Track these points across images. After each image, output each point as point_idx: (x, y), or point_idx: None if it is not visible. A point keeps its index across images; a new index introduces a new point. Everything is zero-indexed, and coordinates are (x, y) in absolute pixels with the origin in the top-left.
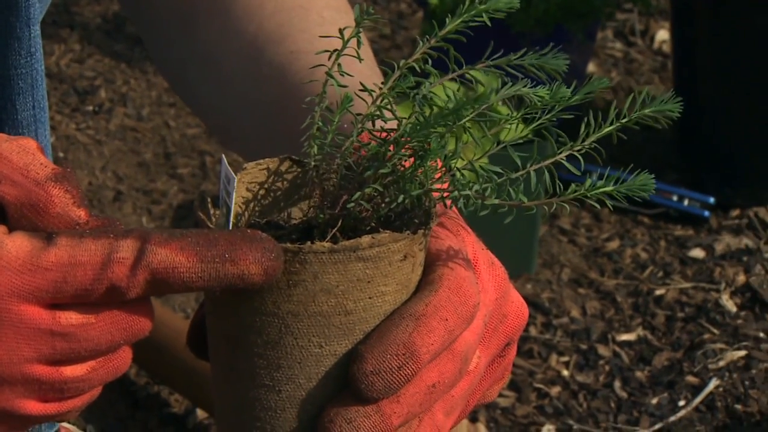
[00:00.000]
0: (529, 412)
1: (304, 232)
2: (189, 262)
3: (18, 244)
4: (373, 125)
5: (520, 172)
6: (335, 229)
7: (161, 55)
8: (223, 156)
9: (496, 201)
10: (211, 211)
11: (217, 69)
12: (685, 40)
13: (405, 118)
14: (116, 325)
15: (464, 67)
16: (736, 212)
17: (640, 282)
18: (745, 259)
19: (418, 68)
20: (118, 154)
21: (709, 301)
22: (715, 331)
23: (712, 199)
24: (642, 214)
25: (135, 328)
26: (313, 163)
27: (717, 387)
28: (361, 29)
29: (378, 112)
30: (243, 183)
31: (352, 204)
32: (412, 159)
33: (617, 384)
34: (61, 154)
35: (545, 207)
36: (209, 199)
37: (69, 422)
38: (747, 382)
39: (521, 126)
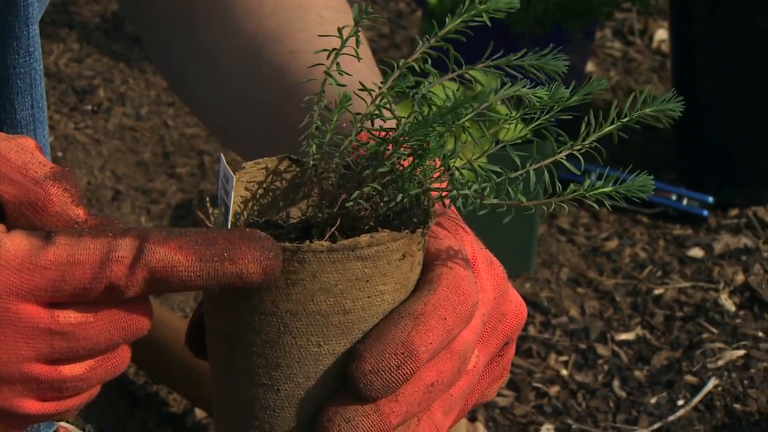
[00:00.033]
0: (528, 412)
1: (302, 231)
2: (188, 261)
3: (17, 243)
4: (372, 124)
5: (519, 172)
6: (334, 228)
7: (160, 55)
8: (222, 155)
9: (495, 200)
10: (210, 210)
11: (215, 68)
12: (684, 39)
13: (404, 117)
14: (115, 324)
15: (464, 67)
16: (735, 212)
17: (639, 281)
18: (743, 258)
19: (417, 68)
20: (117, 153)
21: (708, 301)
22: (714, 330)
23: (711, 199)
24: (641, 214)
25: (134, 327)
26: (311, 163)
27: (716, 386)
28: (359, 28)
29: (377, 112)
30: (242, 182)
31: (351, 203)
32: (410, 158)
33: (616, 383)
34: (59, 154)
35: (544, 207)
36: (208, 199)
37: (67, 421)
38: (746, 382)
39: (520, 126)
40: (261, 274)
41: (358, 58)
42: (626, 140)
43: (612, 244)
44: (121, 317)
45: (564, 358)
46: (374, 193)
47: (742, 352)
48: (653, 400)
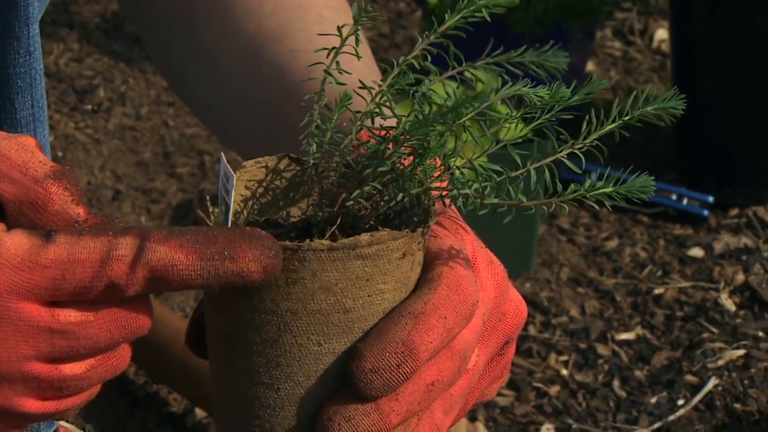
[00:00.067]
0: (528, 411)
1: (302, 230)
2: (188, 260)
3: (17, 242)
4: (372, 123)
5: (520, 171)
6: (334, 227)
7: (160, 55)
8: (222, 154)
9: (495, 200)
10: (210, 209)
11: (216, 68)
12: (684, 39)
13: (404, 116)
14: (115, 323)
15: (464, 64)
16: (735, 211)
17: (639, 281)
18: (744, 258)
19: (417, 65)
20: (117, 153)
21: (708, 301)
22: (714, 330)
23: (711, 199)
24: (641, 214)
25: (134, 325)
26: (312, 161)
27: (716, 386)
28: (359, 27)
29: (377, 110)
30: (242, 181)
31: (351, 202)
32: (411, 157)
33: (616, 383)
34: (59, 154)
35: (544, 207)
36: (208, 197)
37: (67, 421)
38: (746, 381)
39: (521, 125)
40: (261, 273)
41: (358, 57)
42: (626, 140)
43: (612, 243)
44: (122, 316)
45: (564, 357)
46: (375, 192)
47: (742, 351)
48: (653, 400)
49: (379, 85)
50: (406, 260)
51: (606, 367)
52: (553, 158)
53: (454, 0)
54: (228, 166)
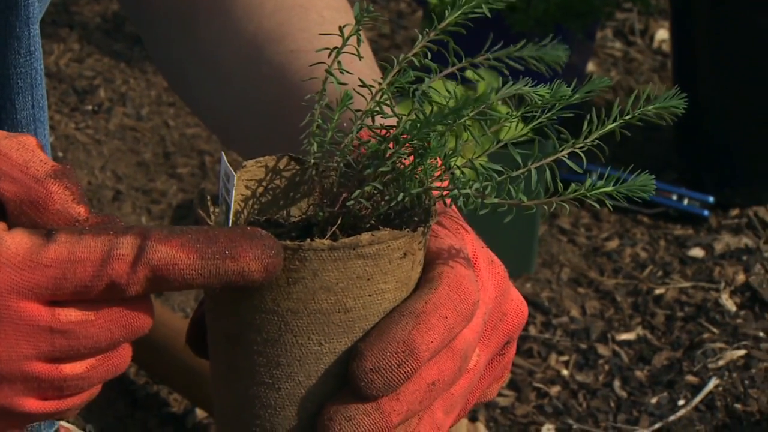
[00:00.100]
0: (529, 412)
1: (303, 230)
2: (189, 259)
3: (17, 241)
4: (373, 122)
5: (521, 171)
6: (335, 226)
7: (161, 55)
8: (223, 153)
9: (496, 200)
10: (211, 209)
11: (216, 68)
12: (685, 39)
13: (404, 115)
14: (116, 323)
15: (464, 60)
16: (735, 212)
17: (640, 281)
18: (744, 258)
19: (417, 63)
20: (118, 153)
21: (708, 301)
22: (715, 330)
23: (711, 199)
24: (642, 214)
25: (135, 325)
26: (312, 161)
27: (717, 386)
28: (360, 27)
29: (378, 109)
30: (242, 181)
31: (352, 202)
32: (411, 157)
33: (617, 383)
34: (60, 154)
35: (545, 206)
36: (209, 197)
37: (68, 421)
38: (747, 382)
39: (521, 125)
40: (262, 272)
41: (360, 57)
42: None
43: (613, 244)
44: (122, 316)
45: (565, 358)
46: (375, 191)
47: (742, 352)
48: (654, 400)
49: (380, 84)
50: (406, 260)
51: (606, 367)
52: (553, 158)
53: (454, 0)
54: (228, 165)
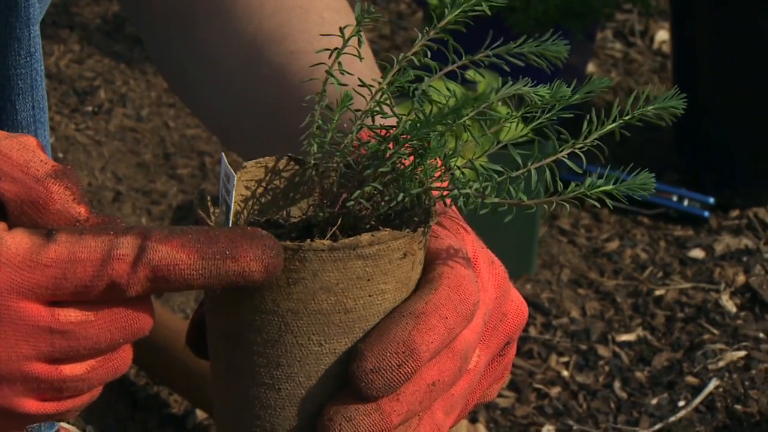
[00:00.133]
0: (529, 413)
1: (303, 230)
2: (190, 259)
3: (18, 241)
4: (373, 122)
5: (521, 171)
6: (335, 227)
7: (161, 55)
8: (223, 154)
9: (496, 200)
10: (211, 210)
11: (216, 69)
12: (685, 40)
13: (404, 115)
14: (116, 324)
15: (464, 58)
16: (735, 213)
17: (640, 282)
18: (744, 259)
19: (417, 62)
20: (118, 154)
21: (708, 302)
22: (715, 331)
23: (711, 200)
24: (642, 215)
25: (135, 326)
26: (312, 162)
27: (717, 387)
28: (361, 28)
29: (377, 108)
30: (242, 181)
31: (352, 202)
32: (411, 157)
33: (617, 384)
34: (60, 155)
35: (545, 206)
36: (209, 198)
37: (68, 422)
38: (747, 383)
39: (521, 125)
40: (263, 272)
41: (360, 58)
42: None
43: (613, 245)
44: (123, 316)
45: (565, 359)
46: (375, 192)
47: (743, 353)
48: (654, 401)
49: (379, 83)
50: (406, 260)
51: (607, 368)
52: (553, 158)
53: (455, 1)
54: (229, 166)
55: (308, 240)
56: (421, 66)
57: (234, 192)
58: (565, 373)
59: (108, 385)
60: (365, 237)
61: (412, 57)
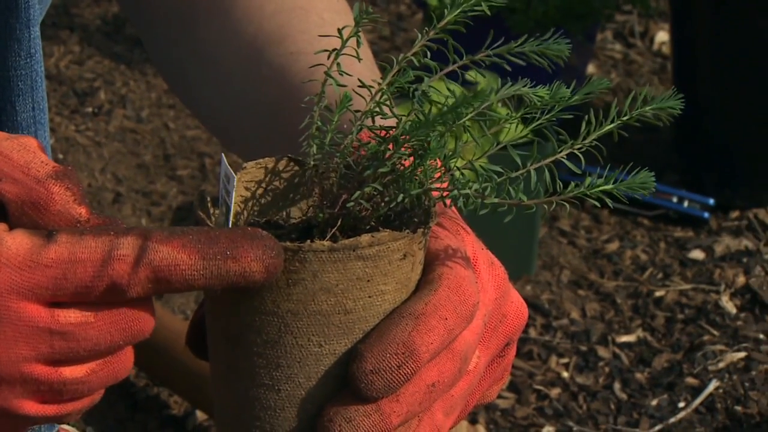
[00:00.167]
0: (529, 414)
1: (303, 231)
2: (191, 260)
3: (18, 241)
4: (373, 122)
5: (520, 171)
6: (335, 228)
7: (161, 56)
8: (223, 155)
9: (496, 200)
10: (211, 211)
11: (216, 70)
12: (685, 41)
13: (404, 115)
14: (116, 325)
15: (465, 57)
16: (735, 214)
17: (640, 283)
18: (744, 260)
19: (417, 62)
20: (118, 155)
21: (708, 303)
22: (715, 332)
23: (711, 201)
24: (642, 216)
25: (135, 328)
26: (312, 163)
27: (717, 388)
28: (360, 29)
29: (377, 109)
30: (242, 182)
31: (352, 203)
32: (411, 158)
33: (617, 385)
34: (60, 156)
35: (545, 206)
36: (209, 199)
37: (69, 423)
38: (747, 384)
39: (521, 126)
40: (264, 273)
41: (359, 59)
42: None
43: (613, 246)
44: (123, 318)
45: (565, 360)
46: (375, 193)
47: (743, 354)
48: (654, 402)
49: (379, 84)
50: (406, 261)
51: (607, 369)
52: (552, 158)
53: (454, 0)
54: (228, 167)
55: (308, 241)
56: (421, 67)
57: (234, 193)
58: (565, 375)
59: (108, 386)
60: (365, 238)
61: (412, 58)
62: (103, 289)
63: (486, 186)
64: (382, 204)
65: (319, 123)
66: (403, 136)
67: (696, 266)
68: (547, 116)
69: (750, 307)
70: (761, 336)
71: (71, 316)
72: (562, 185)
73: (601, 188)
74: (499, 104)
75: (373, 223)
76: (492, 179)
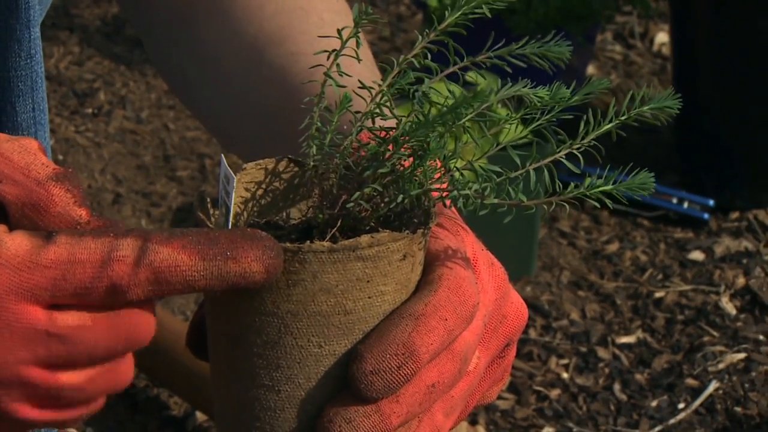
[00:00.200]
0: (529, 415)
1: (303, 232)
2: (191, 261)
3: (18, 242)
4: (373, 123)
5: (520, 172)
6: (334, 228)
7: (161, 57)
8: (223, 156)
9: (496, 200)
10: (211, 211)
11: (216, 70)
12: (685, 42)
13: (404, 116)
14: (115, 330)
15: (465, 59)
16: (735, 215)
17: (640, 284)
18: (744, 261)
19: (417, 64)
20: (118, 156)
21: (708, 304)
22: (715, 333)
23: (711, 202)
24: (641, 217)
25: (135, 333)
26: (312, 163)
27: (717, 389)
28: (359, 30)
29: (377, 110)
30: (242, 183)
31: (352, 204)
32: (411, 159)
33: (617, 387)
34: (60, 157)
35: (545, 206)
36: (209, 199)
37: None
38: (746, 385)
39: (520, 127)
40: (264, 273)
41: (359, 60)
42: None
43: (613, 247)
44: (122, 322)
45: (565, 361)
46: (375, 193)
47: (742, 355)
48: (654, 404)
49: (379, 85)
50: (406, 262)
51: (606, 370)
52: (551, 159)
53: (455, 2)
54: (228, 168)
55: (308, 242)
56: (422, 68)
57: (234, 194)
58: (565, 375)
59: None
60: (365, 238)
61: (413, 59)
62: (103, 290)
63: (486, 186)
64: (382, 205)
65: (319, 124)
66: (403, 137)
67: (696, 267)
68: (547, 117)
69: (750, 308)
70: (761, 337)
71: (69, 318)
72: (561, 186)
73: (600, 189)
74: (499, 105)
75: (372, 224)
76: (492, 180)
